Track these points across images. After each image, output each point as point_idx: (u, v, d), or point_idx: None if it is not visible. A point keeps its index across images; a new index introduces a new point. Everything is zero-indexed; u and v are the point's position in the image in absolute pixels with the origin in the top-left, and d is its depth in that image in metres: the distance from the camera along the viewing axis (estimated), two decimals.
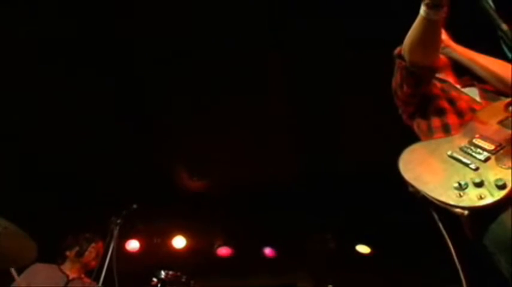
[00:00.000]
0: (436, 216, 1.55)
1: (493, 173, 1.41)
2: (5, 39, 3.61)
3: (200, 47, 3.87)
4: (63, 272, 3.60)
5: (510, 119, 1.61)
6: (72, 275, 3.61)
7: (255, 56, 3.92)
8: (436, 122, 1.85)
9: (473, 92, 1.93)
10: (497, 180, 1.38)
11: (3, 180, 4.74)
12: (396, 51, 1.96)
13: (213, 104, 4.51)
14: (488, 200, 1.36)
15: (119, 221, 3.49)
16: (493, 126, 1.61)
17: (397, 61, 1.94)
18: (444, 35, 2.06)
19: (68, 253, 3.70)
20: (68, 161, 5.15)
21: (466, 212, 1.37)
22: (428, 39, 1.76)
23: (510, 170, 1.40)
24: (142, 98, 4.45)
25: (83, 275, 3.68)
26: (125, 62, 3.99)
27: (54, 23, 3.57)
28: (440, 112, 1.85)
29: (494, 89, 1.90)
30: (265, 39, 3.79)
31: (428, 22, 1.69)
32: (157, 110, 4.61)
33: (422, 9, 1.68)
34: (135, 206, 3.54)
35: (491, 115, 1.67)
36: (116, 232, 3.45)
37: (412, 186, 1.51)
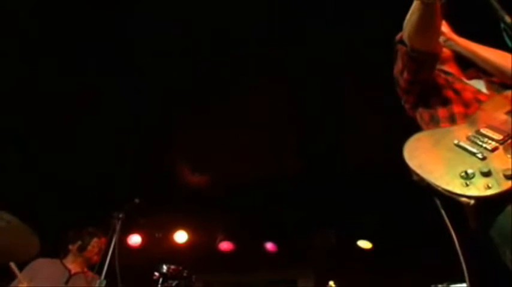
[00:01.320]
0: (439, 205, 1.53)
1: (501, 162, 1.39)
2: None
3: (201, 45, 3.86)
4: (65, 267, 3.60)
5: None
6: (74, 270, 3.60)
7: (256, 53, 3.91)
8: (441, 112, 1.83)
9: (479, 84, 1.91)
10: (505, 170, 1.36)
11: (7, 177, 4.74)
12: (397, 36, 1.93)
13: (215, 100, 4.51)
14: (496, 189, 1.34)
15: (120, 215, 3.49)
16: (500, 117, 1.59)
17: (399, 46, 1.92)
18: (446, 28, 2.04)
19: (70, 247, 3.70)
20: (70, 157, 5.15)
21: (472, 201, 1.35)
22: (426, 24, 1.72)
23: None
24: (143, 95, 4.44)
25: (85, 270, 3.68)
26: (126, 61, 3.99)
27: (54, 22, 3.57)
28: (446, 102, 1.83)
29: (500, 81, 1.89)
30: (267, 37, 3.78)
31: (424, 6, 1.65)
32: (159, 106, 4.60)
33: None
34: (137, 200, 3.54)
35: (499, 106, 1.66)
36: (118, 227, 3.44)
37: (417, 174, 1.49)
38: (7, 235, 2.70)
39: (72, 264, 3.64)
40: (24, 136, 4.73)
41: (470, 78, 1.99)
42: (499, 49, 1.89)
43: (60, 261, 3.64)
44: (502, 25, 1.25)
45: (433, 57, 1.86)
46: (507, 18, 1.25)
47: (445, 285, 3.17)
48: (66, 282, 3.48)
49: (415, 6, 1.70)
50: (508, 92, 1.76)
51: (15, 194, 4.27)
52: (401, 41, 1.88)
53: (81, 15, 3.54)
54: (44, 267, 3.49)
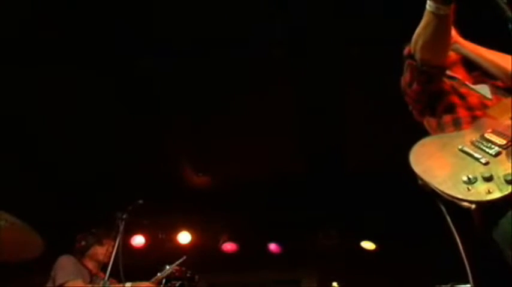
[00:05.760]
0: (444, 210, 1.54)
1: (503, 168, 1.40)
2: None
3: (204, 46, 3.87)
4: (86, 267, 3.65)
5: None
6: (94, 270, 3.66)
7: (258, 54, 3.91)
8: (446, 118, 1.83)
9: (484, 89, 1.90)
10: (506, 175, 1.37)
11: (8, 177, 4.76)
12: (405, 51, 1.92)
13: (218, 101, 4.51)
14: (496, 194, 1.35)
15: (124, 216, 3.50)
16: (505, 122, 1.59)
17: (408, 61, 1.91)
18: (452, 31, 2.03)
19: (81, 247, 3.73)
20: (74, 158, 5.17)
21: (473, 206, 1.37)
22: (439, 37, 1.70)
23: None
24: (148, 96, 4.45)
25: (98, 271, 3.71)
26: (130, 60, 3.99)
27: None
28: (451, 108, 1.84)
29: (505, 86, 1.88)
30: (269, 38, 3.78)
31: (436, 17, 1.63)
32: (163, 108, 4.61)
33: (430, 4, 1.62)
34: (140, 201, 3.55)
35: (504, 111, 1.66)
36: (121, 227, 3.46)
37: (421, 179, 1.50)
38: (10, 235, 2.72)
39: (89, 264, 3.69)
40: (25, 135, 4.74)
41: (475, 82, 1.98)
42: (505, 51, 1.88)
43: (79, 260, 3.67)
44: (510, 26, 1.24)
45: (443, 70, 1.86)
46: None
47: (449, 286, 3.16)
48: (90, 282, 3.54)
49: (427, 19, 1.67)
50: None
51: (17, 195, 4.29)
52: (409, 55, 1.88)
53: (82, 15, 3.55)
54: (78, 265, 3.57)
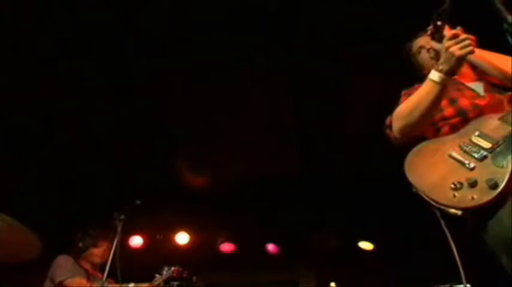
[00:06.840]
0: (438, 214, 1.54)
1: (488, 172, 1.41)
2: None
3: (201, 44, 3.87)
4: (82, 266, 3.64)
5: (511, 114, 1.59)
6: (90, 270, 3.65)
7: (256, 50, 3.91)
8: (442, 128, 1.84)
9: (478, 87, 1.90)
10: (488, 180, 1.37)
11: (7, 177, 4.75)
12: (387, 121, 1.94)
13: (215, 100, 4.50)
14: (479, 201, 1.36)
15: (122, 217, 3.50)
16: (493, 123, 1.59)
17: (387, 131, 1.93)
18: (449, 33, 2.03)
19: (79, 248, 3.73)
20: (73, 158, 5.15)
21: (459, 212, 1.38)
22: (434, 104, 1.71)
23: (504, 169, 1.39)
24: (147, 96, 4.44)
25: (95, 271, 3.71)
26: (129, 60, 3.99)
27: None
28: (444, 117, 1.84)
29: (501, 83, 1.87)
30: (267, 34, 3.78)
31: (439, 87, 1.66)
32: (160, 107, 4.61)
33: (436, 75, 1.65)
34: (138, 202, 3.54)
35: (494, 110, 1.67)
36: (119, 228, 3.46)
37: (415, 188, 1.53)
38: (8, 236, 2.71)
39: (85, 264, 3.69)
40: (25, 135, 4.73)
41: (479, 78, 1.97)
42: (501, 51, 1.88)
43: (76, 261, 3.66)
44: (505, 26, 1.24)
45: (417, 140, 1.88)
46: (510, 19, 1.24)
47: (448, 286, 3.17)
48: (88, 282, 3.53)
49: (427, 88, 1.69)
50: (507, 94, 1.76)
51: (15, 196, 4.28)
52: (389, 126, 1.89)
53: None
54: (75, 265, 3.57)
